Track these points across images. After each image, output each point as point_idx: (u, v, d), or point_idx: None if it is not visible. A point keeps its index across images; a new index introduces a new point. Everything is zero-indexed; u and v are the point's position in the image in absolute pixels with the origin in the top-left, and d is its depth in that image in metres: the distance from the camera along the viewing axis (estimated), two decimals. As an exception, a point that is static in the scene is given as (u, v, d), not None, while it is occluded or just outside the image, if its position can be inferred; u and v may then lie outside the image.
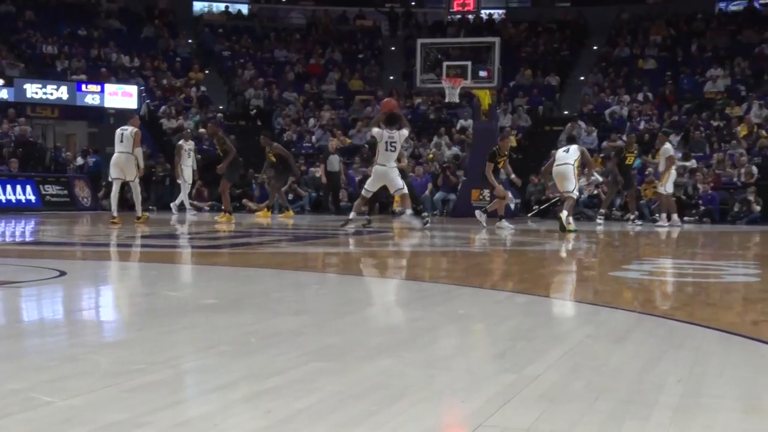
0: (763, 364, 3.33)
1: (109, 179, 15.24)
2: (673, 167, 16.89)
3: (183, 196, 19.18)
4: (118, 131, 14.56)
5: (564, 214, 13.82)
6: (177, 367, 3.01)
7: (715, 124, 23.47)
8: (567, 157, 14.21)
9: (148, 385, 2.68)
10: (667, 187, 16.76)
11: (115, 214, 14.35)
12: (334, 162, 20.54)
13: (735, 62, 26.65)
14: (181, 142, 19.11)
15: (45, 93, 25.35)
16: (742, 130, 22.48)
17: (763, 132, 22.25)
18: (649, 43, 29.44)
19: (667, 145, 17.01)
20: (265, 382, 2.74)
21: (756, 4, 30.97)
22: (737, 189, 20.19)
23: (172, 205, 19.43)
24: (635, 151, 17.91)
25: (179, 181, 19.23)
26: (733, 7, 31.68)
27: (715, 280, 6.89)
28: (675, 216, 16.99)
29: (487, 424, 2.31)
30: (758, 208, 19.26)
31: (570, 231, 13.32)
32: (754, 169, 20.51)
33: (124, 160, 14.33)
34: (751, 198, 19.34)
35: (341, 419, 2.33)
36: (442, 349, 3.61)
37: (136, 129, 14.49)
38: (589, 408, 2.50)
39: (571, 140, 16.11)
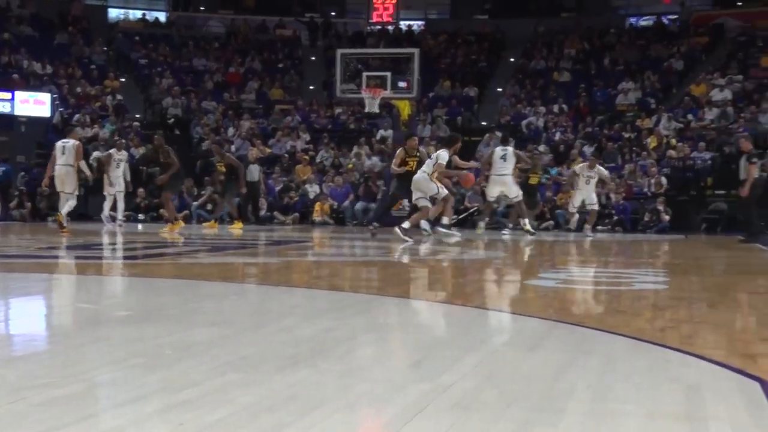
0: (668, 369, 3.43)
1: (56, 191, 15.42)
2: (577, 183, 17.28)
3: (106, 206, 18.57)
4: (59, 144, 14.81)
5: (525, 221, 14.40)
6: (88, 380, 2.95)
7: (626, 135, 24.08)
8: (506, 166, 14.48)
9: (57, 399, 2.62)
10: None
11: (65, 224, 14.41)
12: (254, 171, 20.41)
13: (645, 76, 27.42)
14: (111, 151, 18.52)
15: (-47, 100, 24.63)
16: (652, 142, 23.13)
17: (674, 141, 22.92)
18: (563, 56, 30.07)
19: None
20: (178, 395, 2.71)
21: (665, 20, 31.94)
22: (647, 199, 20.76)
23: (118, 218, 18.66)
24: (539, 171, 18.31)
25: (105, 192, 18.59)
26: (642, 22, 32.64)
27: (625, 288, 7.07)
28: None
29: (401, 433, 2.33)
30: (667, 217, 19.84)
31: (531, 233, 14.32)
32: (664, 180, 21.12)
33: (64, 172, 14.43)
34: (661, 208, 19.90)
35: (255, 431, 2.32)
36: (358, 359, 3.62)
37: (77, 142, 14.79)
38: (501, 416, 2.55)
39: (506, 140, 16.08)
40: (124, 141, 20.13)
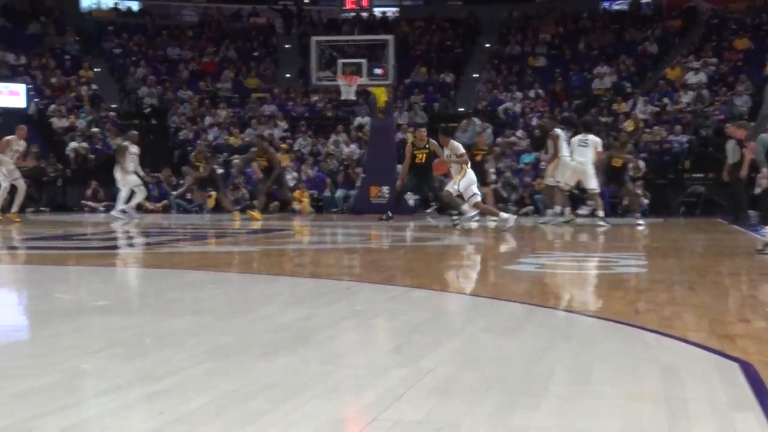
0: (647, 351, 3.45)
1: None
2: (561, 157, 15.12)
3: (121, 201, 17.98)
4: None
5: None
6: (66, 370, 2.94)
7: (603, 119, 24.15)
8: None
9: (35, 389, 2.61)
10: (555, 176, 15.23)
11: None
12: None
13: (620, 60, 27.50)
14: (126, 143, 17.54)
15: (-74, 92, 24.38)
16: (629, 126, 23.21)
17: (648, 129, 23.02)
18: (538, 41, 30.10)
19: (556, 131, 15.46)
20: (157, 384, 2.70)
21: (639, 4, 32.04)
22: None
23: (121, 210, 17.58)
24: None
25: (120, 186, 17.95)
26: (616, 6, 32.71)
27: (605, 272, 7.11)
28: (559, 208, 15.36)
29: (381, 418, 2.34)
30: (646, 201, 19.93)
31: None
32: (642, 164, 21.20)
33: None
34: (639, 191, 19.99)
35: (234, 418, 2.32)
36: (337, 346, 3.63)
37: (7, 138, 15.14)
38: (480, 399, 2.56)
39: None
40: (136, 132, 18.59)
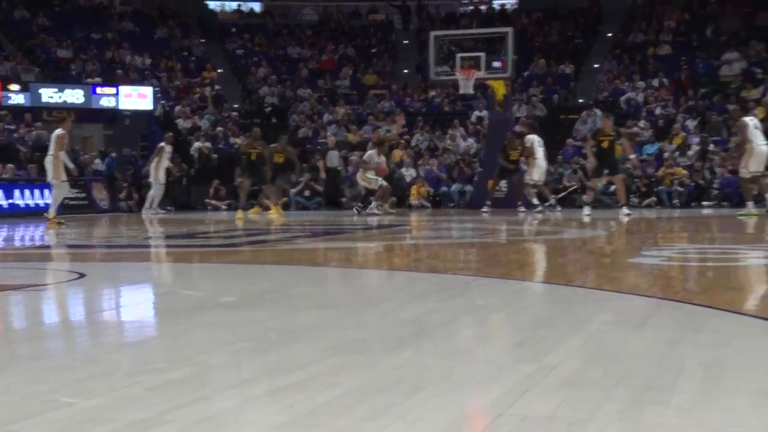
0: (784, 346, 3.31)
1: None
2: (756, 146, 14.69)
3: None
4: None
5: None
6: (197, 364, 3.02)
7: (731, 107, 23.30)
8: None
9: (170, 383, 2.69)
10: (749, 167, 14.74)
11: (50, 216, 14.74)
12: (333, 158, 21.08)
13: (750, 45, 26.46)
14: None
15: (61, 97, 25.54)
16: (759, 113, 22.30)
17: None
18: (663, 28, 29.27)
19: (744, 120, 15.00)
20: (286, 377, 2.75)
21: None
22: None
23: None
24: (612, 135, 15.98)
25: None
26: (748, -10, 31.47)
27: (734, 264, 6.85)
28: None
29: (508, 413, 2.31)
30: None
31: None
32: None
33: (47, 161, 14.77)
34: (768, 181, 19.19)
35: (364, 412, 2.34)
36: (461, 341, 3.62)
37: (60, 131, 14.66)
38: (609, 395, 2.50)
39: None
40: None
